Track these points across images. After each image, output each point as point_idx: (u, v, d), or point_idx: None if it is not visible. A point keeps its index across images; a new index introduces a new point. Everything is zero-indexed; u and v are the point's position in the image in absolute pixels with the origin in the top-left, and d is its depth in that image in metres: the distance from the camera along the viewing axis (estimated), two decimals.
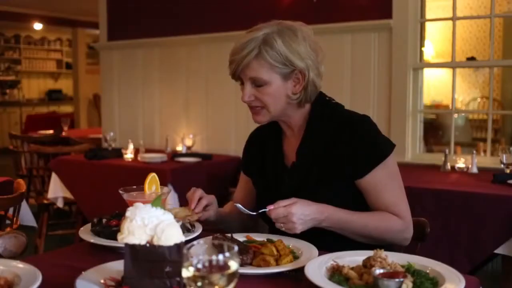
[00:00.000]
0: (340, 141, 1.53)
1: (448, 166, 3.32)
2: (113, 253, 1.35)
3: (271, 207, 1.40)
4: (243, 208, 1.50)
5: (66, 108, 12.32)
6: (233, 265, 0.89)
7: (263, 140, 1.73)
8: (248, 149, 1.80)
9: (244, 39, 1.52)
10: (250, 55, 1.50)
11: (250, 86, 1.54)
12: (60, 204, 4.04)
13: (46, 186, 4.28)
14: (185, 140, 4.36)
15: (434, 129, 5.92)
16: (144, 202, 1.17)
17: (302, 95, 1.56)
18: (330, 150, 1.54)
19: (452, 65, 3.79)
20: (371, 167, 1.51)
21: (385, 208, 1.51)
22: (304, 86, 1.54)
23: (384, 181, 1.52)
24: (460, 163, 3.33)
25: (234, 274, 0.89)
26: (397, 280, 1.08)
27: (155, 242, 1.07)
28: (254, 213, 1.50)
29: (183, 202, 2.34)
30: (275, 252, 1.31)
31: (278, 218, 1.40)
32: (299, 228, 1.40)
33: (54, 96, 12.44)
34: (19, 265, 1.19)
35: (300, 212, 1.39)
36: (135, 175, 3.50)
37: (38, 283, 1.08)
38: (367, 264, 1.19)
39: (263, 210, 1.44)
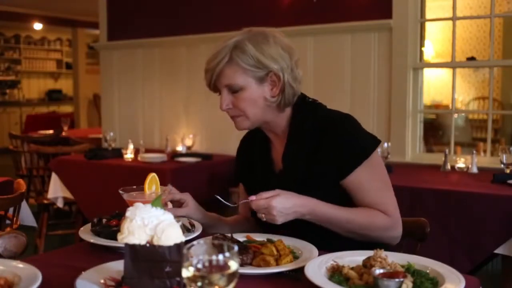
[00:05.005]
0: (323, 143, 1.53)
1: (448, 166, 3.32)
2: (113, 253, 1.35)
3: (253, 197, 1.42)
4: (223, 200, 1.52)
5: (66, 108, 12.33)
6: (233, 265, 0.89)
7: (253, 146, 1.72)
8: (239, 157, 1.79)
9: (216, 48, 1.54)
10: (222, 62, 1.51)
11: (227, 94, 1.54)
12: (60, 204, 4.04)
13: (46, 186, 4.28)
14: (185, 140, 4.36)
15: (434, 129, 5.93)
16: (144, 202, 1.18)
17: (280, 98, 1.55)
18: (314, 153, 1.54)
19: (452, 65, 3.79)
20: (353, 166, 1.50)
21: (372, 206, 1.51)
22: (281, 88, 1.53)
23: (369, 180, 1.51)
24: (460, 163, 3.32)
25: (234, 274, 0.89)
26: (397, 280, 1.08)
27: (155, 242, 1.08)
28: (235, 204, 1.52)
29: None
30: (275, 252, 1.31)
31: (259, 209, 1.41)
32: (280, 220, 1.41)
33: (54, 96, 12.44)
34: (19, 265, 1.19)
35: (281, 206, 1.40)
36: (135, 175, 3.50)
37: (38, 283, 1.08)
38: (367, 264, 1.19)
39: (245, 201, 1.46)
